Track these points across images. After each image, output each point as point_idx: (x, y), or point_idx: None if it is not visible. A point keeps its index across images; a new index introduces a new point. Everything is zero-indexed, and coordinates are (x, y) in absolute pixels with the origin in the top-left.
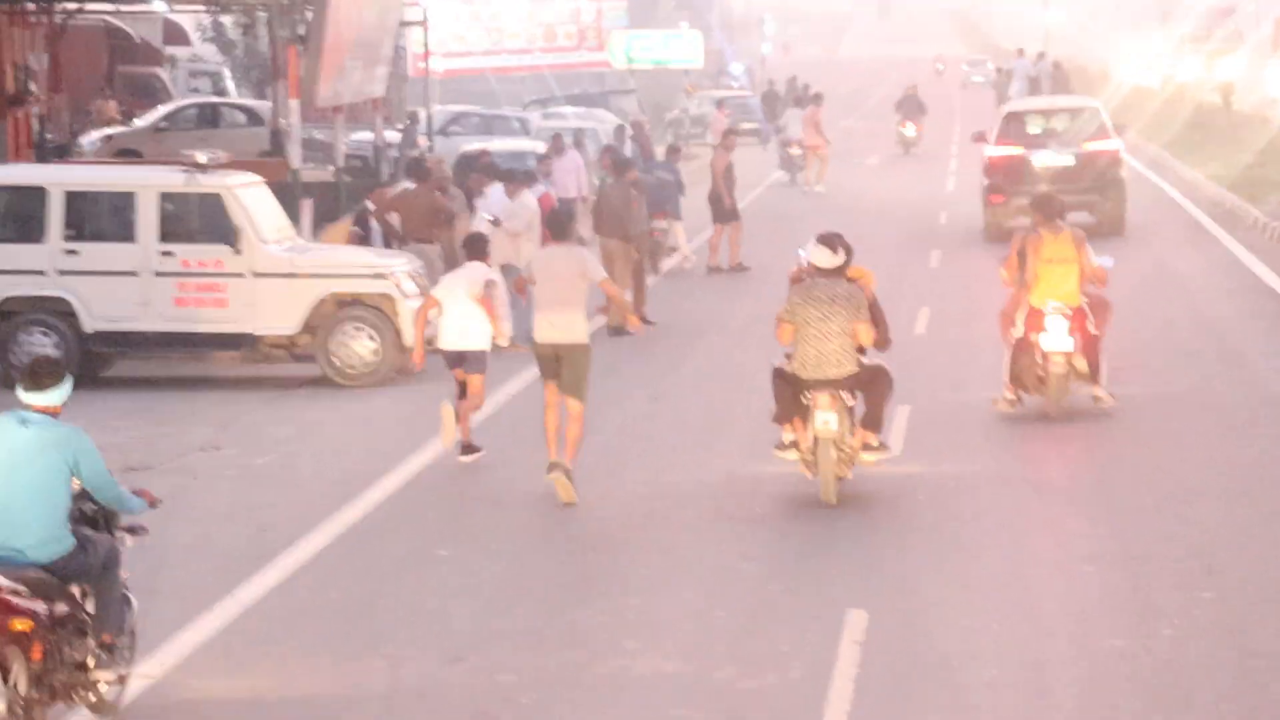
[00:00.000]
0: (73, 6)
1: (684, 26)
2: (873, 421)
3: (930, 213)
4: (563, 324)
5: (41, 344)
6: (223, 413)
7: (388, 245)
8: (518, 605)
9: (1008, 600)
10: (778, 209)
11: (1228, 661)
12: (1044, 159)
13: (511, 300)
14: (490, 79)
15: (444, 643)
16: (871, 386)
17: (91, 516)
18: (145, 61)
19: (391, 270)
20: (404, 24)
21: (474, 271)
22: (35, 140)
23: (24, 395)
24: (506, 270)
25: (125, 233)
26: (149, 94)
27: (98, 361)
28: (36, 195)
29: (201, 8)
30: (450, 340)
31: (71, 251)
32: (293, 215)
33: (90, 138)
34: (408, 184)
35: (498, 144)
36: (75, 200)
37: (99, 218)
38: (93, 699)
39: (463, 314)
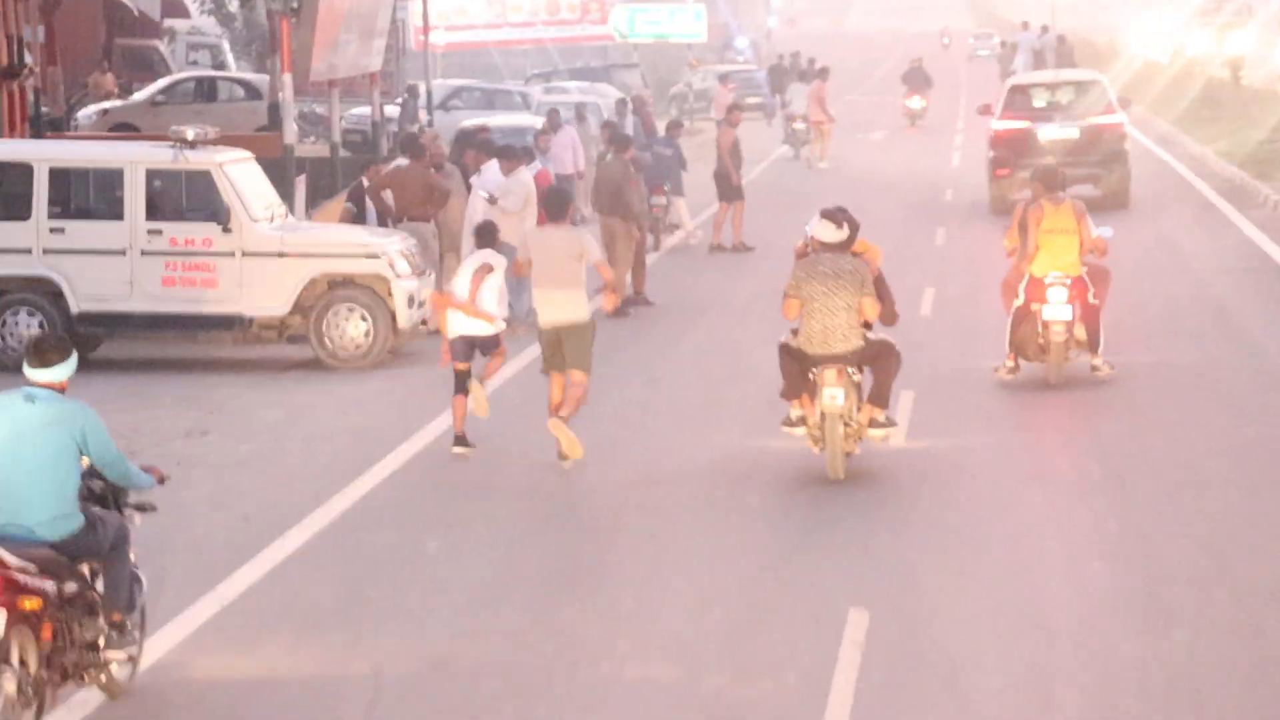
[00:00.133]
0: None
1: (688, 0)
2: (879, 397)
3: (936, 188)
4: (562, 302)
5: (28, 325)
6: (212, 396)
7: (382, 223)
8: (505, 602)
9: (1012, 599)
10: (782, 184)
11: (1242, 664)
12: (1049, 132)
13: (513, 284)
14: (493, 53)
15: (426, 645)
16: (878, 362)
17: (100, 494)
18: (143, 34)
19: (384, 250)
20: None
21: (480, 259)
22: (30, 114)
23: (30, 372)
24: (503, 249)
25: (112, 210)
26: (147, 67)
27: (85, 343)
28: (22, 171)
29: None
30: (459, 327)
31: (57, 229)
32: (288, 192)
33: (87, 112)
34: (402, 160)
35: (498, 119)
36: (61, 177)
37: (85, 195)
38: (103, 679)
39: None
